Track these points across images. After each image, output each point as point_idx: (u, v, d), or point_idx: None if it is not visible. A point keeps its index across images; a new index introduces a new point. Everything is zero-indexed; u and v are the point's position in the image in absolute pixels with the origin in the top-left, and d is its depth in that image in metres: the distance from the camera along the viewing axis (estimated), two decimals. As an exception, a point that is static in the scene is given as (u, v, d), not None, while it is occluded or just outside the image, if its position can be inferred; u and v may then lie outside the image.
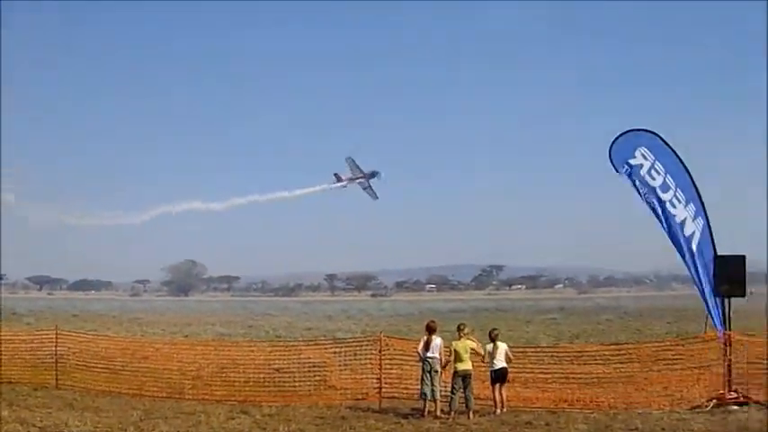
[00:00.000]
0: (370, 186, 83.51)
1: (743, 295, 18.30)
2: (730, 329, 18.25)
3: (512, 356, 17.65)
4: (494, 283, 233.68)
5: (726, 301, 18.50)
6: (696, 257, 18.85)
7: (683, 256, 18.98)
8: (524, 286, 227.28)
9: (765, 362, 17.60)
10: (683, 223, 18.97)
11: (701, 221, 18.97)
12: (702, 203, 19.04)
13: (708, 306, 18.70)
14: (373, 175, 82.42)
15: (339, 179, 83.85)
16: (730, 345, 17.75)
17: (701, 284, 18.76)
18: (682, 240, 18.97)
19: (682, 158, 19.32)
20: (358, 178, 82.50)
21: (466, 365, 16.98)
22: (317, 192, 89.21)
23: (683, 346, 19.65)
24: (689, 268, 18.99)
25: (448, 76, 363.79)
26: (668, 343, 22.26)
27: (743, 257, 18.54)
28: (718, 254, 18.67)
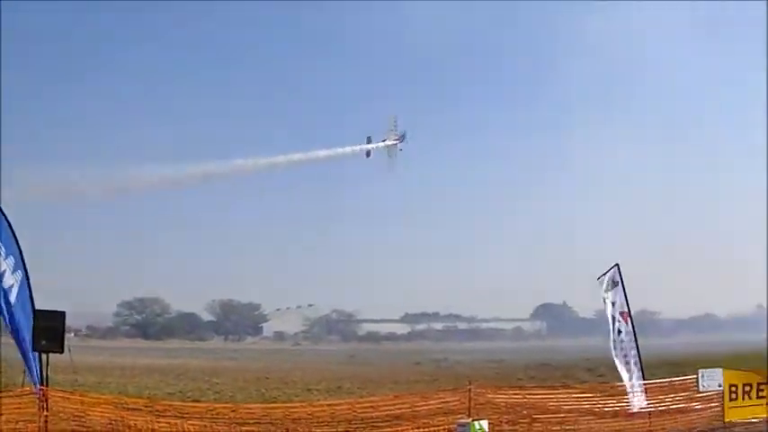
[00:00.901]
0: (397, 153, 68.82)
1: (61, 351, 18.60)
2: (48, 385, 18.45)
3: None
4: None
5: (43, 356, 18.66)
6: (15, 310, 18.70)
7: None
8: None
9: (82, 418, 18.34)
10: (2, 275, 18.70)
11: (20, 274, 18.92)
12: (22, 257, 19.07)
13: (26, 360, 18.64)
14: (403, 137, 68.13)
15: (369, 142, 68.24)
16: (47, 400, 17.98)
17: (19, 337, 18.66)
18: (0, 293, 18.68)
19: (6, 214, 19.16)
20: (393, 140, 67.96)
21: None
22: (346, 154, 69.85)
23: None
24: (5, 321, 18.75)
25: None
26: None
27: (63, 313, 18.62)
28: (37, 308, 18.76)
